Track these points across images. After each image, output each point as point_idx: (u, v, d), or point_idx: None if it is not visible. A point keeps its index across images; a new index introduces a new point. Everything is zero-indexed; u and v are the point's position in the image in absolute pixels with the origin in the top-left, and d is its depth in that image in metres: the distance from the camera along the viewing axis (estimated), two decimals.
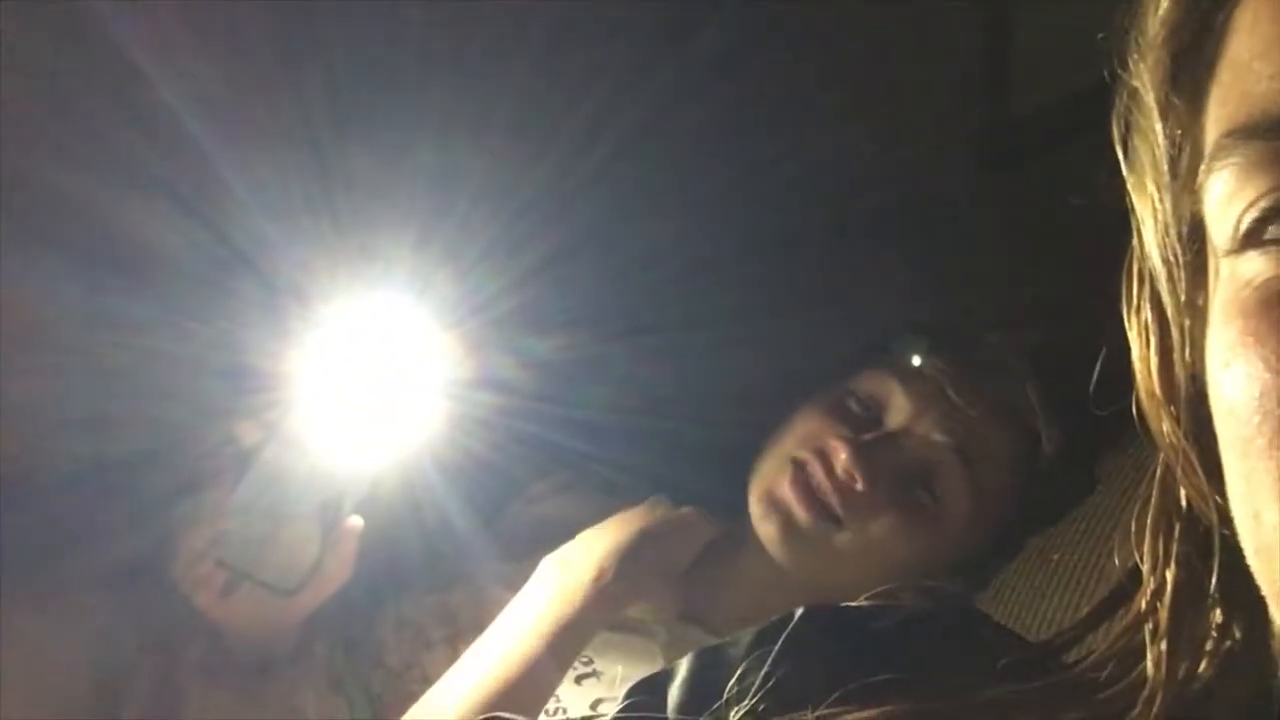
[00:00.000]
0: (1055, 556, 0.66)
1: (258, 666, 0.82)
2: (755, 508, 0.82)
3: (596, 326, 0.88)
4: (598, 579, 0.78)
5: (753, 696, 0.35)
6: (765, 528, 0.81)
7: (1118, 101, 0.32)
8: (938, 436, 0.79)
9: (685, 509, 0.88)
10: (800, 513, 0.79)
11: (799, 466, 0.80)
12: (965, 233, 0.86)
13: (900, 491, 0.79)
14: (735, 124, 0.85)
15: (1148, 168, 0.32)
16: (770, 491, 0.81)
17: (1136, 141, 0.32)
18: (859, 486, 0.78)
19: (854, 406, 0.82)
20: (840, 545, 0.79)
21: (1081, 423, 0.77)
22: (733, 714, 0.35)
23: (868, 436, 0.79)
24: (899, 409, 0.80)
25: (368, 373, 0.79)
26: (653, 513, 0.85)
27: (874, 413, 0.81)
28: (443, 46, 0.75)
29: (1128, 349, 0.37)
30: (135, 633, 0.83)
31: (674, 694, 0.38)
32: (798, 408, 0.84)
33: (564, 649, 0.76)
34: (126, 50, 0.64)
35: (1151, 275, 0.32)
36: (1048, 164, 0.82)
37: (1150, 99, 0.31)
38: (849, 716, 0.33)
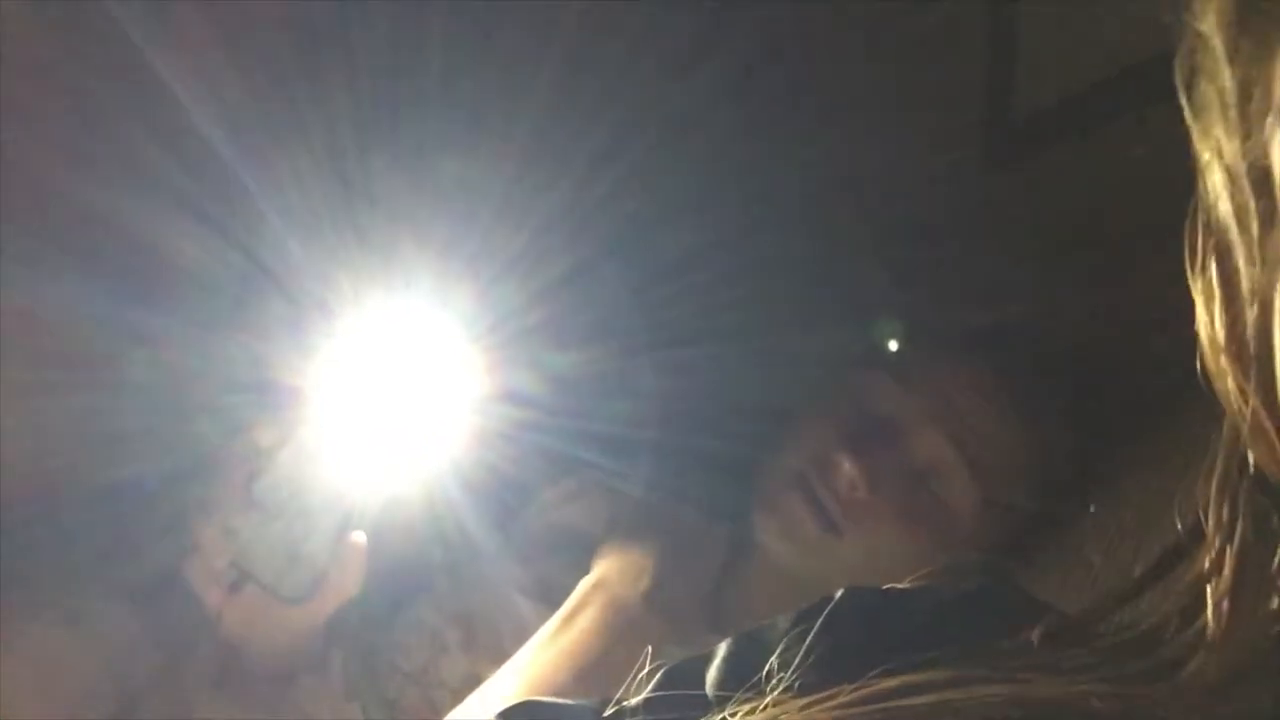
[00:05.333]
0: (1093, 510, 0.65)
1: (270, 677, 0.82)
2: (760, 521, 0.82)
3: (617, 340, 0.89)
4: (643, 607, 0.79)
5: (792, 672, 0.35)
6: (772, 540, 0.81)
7: (1182, 45, 0.31)
8: (943, 440, 0.79)
9: (707, 525, 0.88)
10: (805, 524, 0.79)
11: (802, 479, 0.80)
12: (970, 233, 0.87)
13: (905, 497, 0.78)
14: (754, 137, 0.86)
15: (1215, 112, 0.30)
16: (774, 504, 0.81)
17: (1203, 85, 0.31)
18: (862, 494, 0.78)
19: (857, 412, 0.81)
20: (845, 554, 0.79)
21: (1092, 422, 0.77)
22: (770, 688, 0.35)
23: (871, 443, 0.79)
24: (903, 413, 0.80)
25: (389, 386, 0.80)
26: (680, 532, 0.86)
27: (878, 418, 0.81)
28: (465, 62, 0.76)
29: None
30: (153, 650, 0.83)
31: (712, 674, 0.38)
32: (800, 416, 0.84)
33: (605, 675, 0.76)
34: (154, 67, 0.65)
35: (1218, 226, 0.31)
36: (1052, 163, 0.83)
37: (1217, 41, 0.30)
38: (884, 683, 0.32)
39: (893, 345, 0.85)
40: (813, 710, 0.31)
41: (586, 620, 0.78)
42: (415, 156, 0.78)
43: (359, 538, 0.81)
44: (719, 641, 0.87)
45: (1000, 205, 0.86)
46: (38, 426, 0.74)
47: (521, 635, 0.80)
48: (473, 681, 0.81)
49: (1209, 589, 0.32)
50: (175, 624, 0.81)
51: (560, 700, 0.47)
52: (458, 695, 0.80)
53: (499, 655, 0.81)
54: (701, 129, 0.85)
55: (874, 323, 0.87)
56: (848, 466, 0.78)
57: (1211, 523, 0.32)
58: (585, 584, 0.81)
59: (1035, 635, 0.34)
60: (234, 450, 0.79)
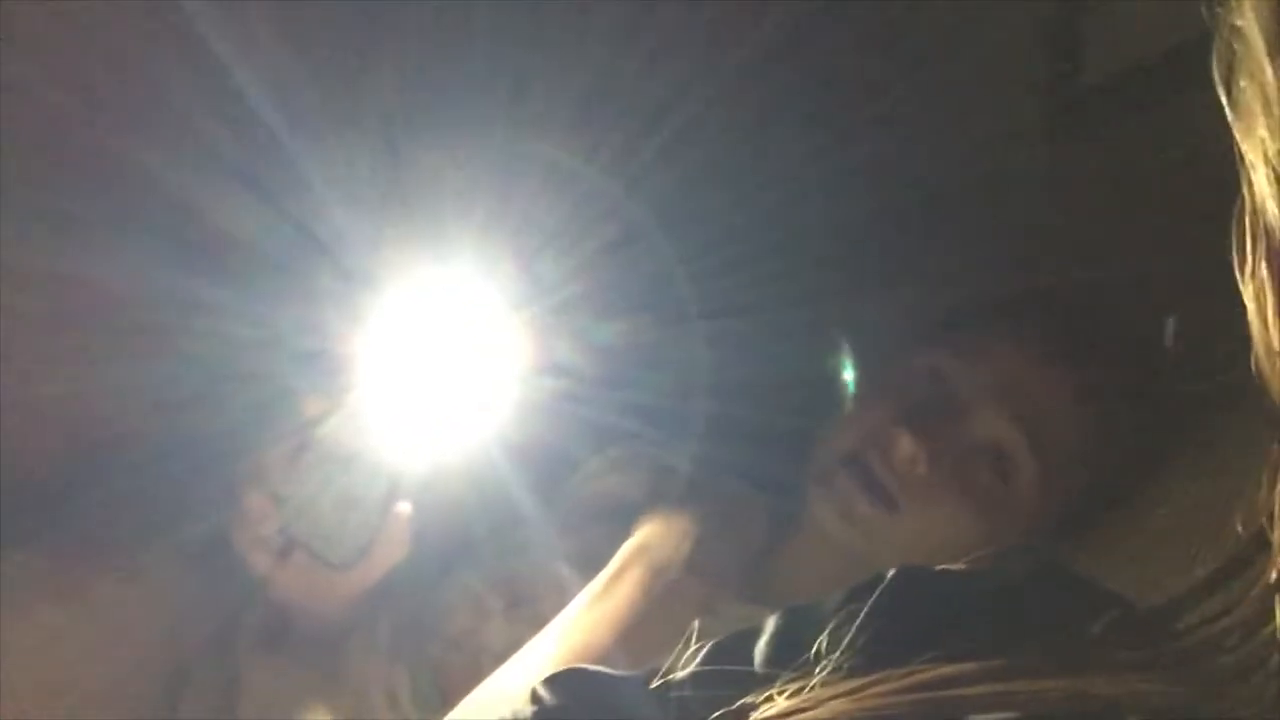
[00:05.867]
0: (1162, 512, 0.64)
1: (318, 640, 0.83)
2: (815, 495, 0.82)
3: (665, 310, 0.89)
4: (685, 572, 0.79)
5: (842, 651, 0.35)
6: (826, 515, 0.81)
7: (1218, 41, 0.31)
8: (1005, 417, 0.78)
9: (748, 494, 0.88)
10: (860, 502, 0.79)
11: (858, 455, 0.80)
12: (1035, 205, 0.85)
13: (964, 474, 0.78)
14: (800, 107, 0.85)
15: (1258, 111, 0.30)
16: (830, 481, 0.81)
17: (1243, 83, 0.30)
18: (921, 470, 0.77)
19: (916, 386, 0.81)
20: (901, 531, 0.79)
21: (1156, 405, 0.76)
22: (819, 668, 0.35)
23: (930, 419, 0.79)
24: (964, 390, 0.80)
25: (435, 355, 0.81)
26: (721, 500, 0.86)
27: (938, 392, 0.80)
28: (510, 33, 0.76)
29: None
30: (208, 612, 0.85)
31: (760, 649, 0.38)
32: (859, 388, 0.84)
33: (647, 643, 0.76)
34: (210, 39, 0.66)
35: (1268, 228, 0.31)
36: (1120, 133, 0.81)
37: (1257, 35, 0.29)
38: (937, 670, 0.32)
39: (957, 320, 0.84)
40: (861, 695, 0.31)
41: (629, 584, 0.79)
42: (460, 127, 0.78)
43: (405, 505, 0.82)
44: (761, 611, 0.88)
45: (1065, 177, 0.85)
46: (99, 392, 0.75)
47: (564, 602, 0.81)
48: (516, 647, 0.82)
49: (1278, 599, 0.31)
50: (229, 587, 0.83)
51: (607, 670, 0.47)
52: (501, 660, 0.81)
53: (541, 622, 0.81)
54: (751, 93, 0.84)
55: (935, 297, 0.86)
56: (907, 442, 0.78)
57: (1277, 533, 0.32)
58: (627, 548, 0.82)
59: (1098, 627, 0.34)
60: (283, 418, 0.80)
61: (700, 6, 0.79)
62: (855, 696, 0.31)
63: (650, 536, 0.83)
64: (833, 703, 0.31)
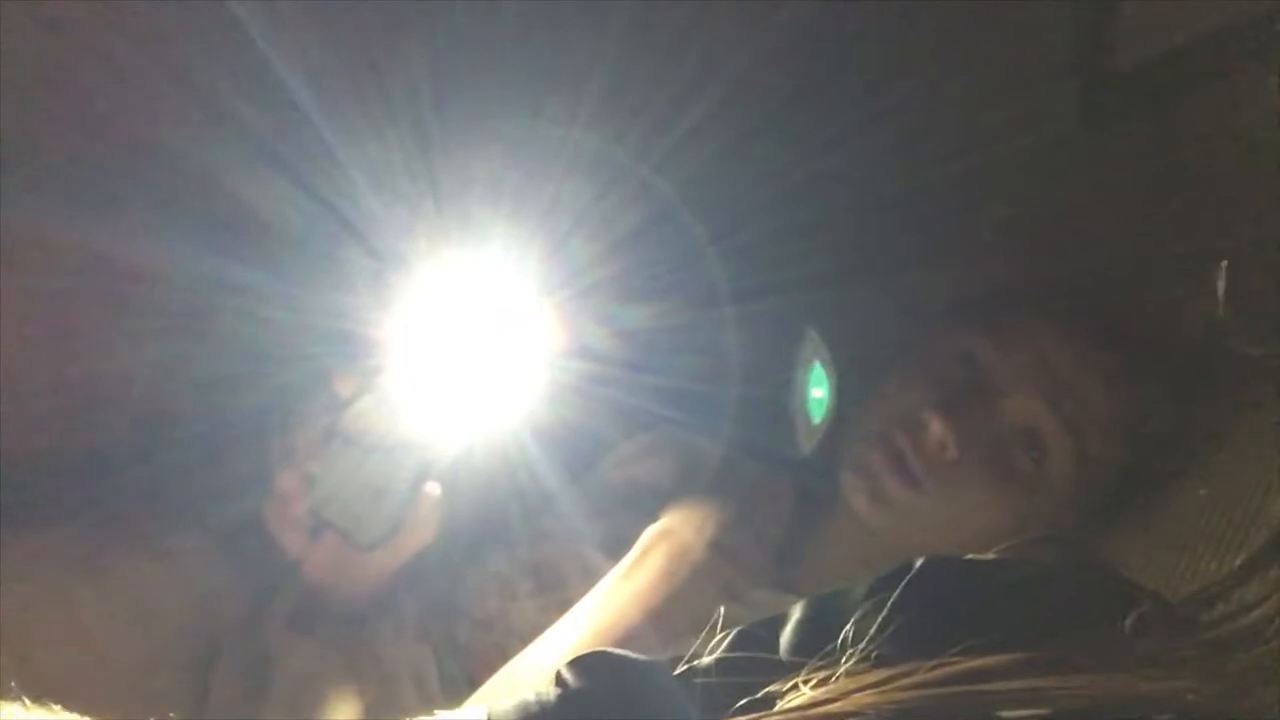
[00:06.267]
0: (1202, 493, 0.64)
1: (345, 618, 0.84)
2: (846, 478, 0.82)
3: (688, 295, 0.89)
4: (709, 553, 0.79)
5: (869, 641, 0.35)
6: (856, 497, 0.81)
7: None
8: (1039, 402, 0.77)
9: (774, 478, 0.88)
10: (890, 483, 0.79)
11: (888, 440, 0.79)
12: (1067, 191, 0.84)
13: (996, 459, 0.77)
14: (826, 87, 0.84)
15: None
16: (860, 462, 0.81)
17: None
18: (951, 455, 0.77)
19: (949, 369, 0.80)
20: (931, 513, 0.78)
21: (1192, 388, 0.75)
22: (845, 658, 0.35)
23: (962, 402, 0.78)
24: (999, 372, 0.79)
25: (464, 339, 0.81)
26: (747, 484, 0.86)
27: (971, 376, 0.79)
28: (539, 13, 0.76)
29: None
30: (239, 592, 0.86)
31: (787, 637, 0.38)
32: (890, 371, 0.83)
33: (670, 625, 0.77)
34: (244, 24, 0.66)
35: None
36: (1153, 120, 0.80)
37: None
38: (967, 663, 0.32)
39: (991, 303, 0.83)
40: (888, 687, 0.31)
41: (652, 566, 0.79)
42: (488, 112, 0.78)
43: (434, 487, 0.82)
44: (788, 599, 0.88)
45: (1101, 160, 0.83)
46: (134, 372, 0.77)
47: (591, 587, 0.82)
48: (543, 631, 0.83)
49: None
50: (260, 568, 0.84)
51: (631, 655, 0.47)
52: (527, 643, 0.82)
53: (569, 606, 0.82)
54: (781, 73, 0.83)
55: (964, 281, 0.85)
56: (937, 426, 0.77)
57: None
58: (651, 531, 0.82)
59: (1129, 622, 0.33)
60: (315, 399, 0.81)
61: None
62: (882, 689, 0.31)
63: (674, 520, 0.83)
64: (859, 695, 0.31)
